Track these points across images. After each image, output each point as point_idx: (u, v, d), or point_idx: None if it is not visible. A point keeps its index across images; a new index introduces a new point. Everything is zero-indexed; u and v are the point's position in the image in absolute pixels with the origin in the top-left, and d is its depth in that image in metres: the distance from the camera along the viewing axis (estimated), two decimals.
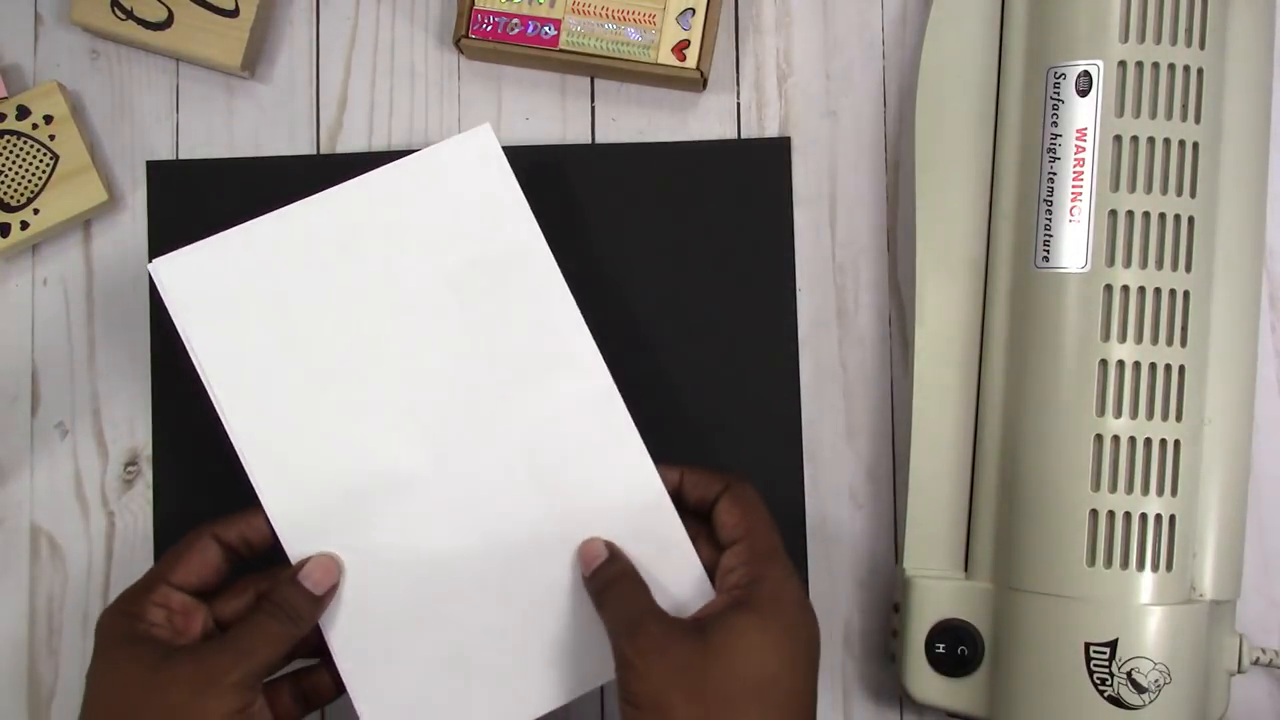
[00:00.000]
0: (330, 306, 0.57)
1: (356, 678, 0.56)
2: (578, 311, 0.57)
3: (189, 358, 0.63)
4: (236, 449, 0.56)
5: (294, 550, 0.55)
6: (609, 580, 0.54)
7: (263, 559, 0.55)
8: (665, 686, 0.49)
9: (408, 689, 0.56)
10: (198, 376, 0.62)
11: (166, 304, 0.56)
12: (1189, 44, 0.55)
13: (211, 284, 0.57)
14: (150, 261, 0.57)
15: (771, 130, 0.65)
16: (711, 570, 0.55)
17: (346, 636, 0.56)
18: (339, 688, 0.56)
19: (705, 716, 0.48)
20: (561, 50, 0.62)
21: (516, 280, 0.57)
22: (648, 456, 0.57)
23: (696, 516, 0.56)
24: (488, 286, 0.57)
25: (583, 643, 0.56)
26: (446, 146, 0.58)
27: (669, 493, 0.56)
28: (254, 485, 0.55)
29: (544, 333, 0.57)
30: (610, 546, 0.55)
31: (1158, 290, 0.55)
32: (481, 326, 0.57)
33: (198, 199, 0.65)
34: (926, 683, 0.57)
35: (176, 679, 0.49)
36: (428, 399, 0.57)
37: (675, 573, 0.55)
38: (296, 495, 0.56)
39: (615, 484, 0.57)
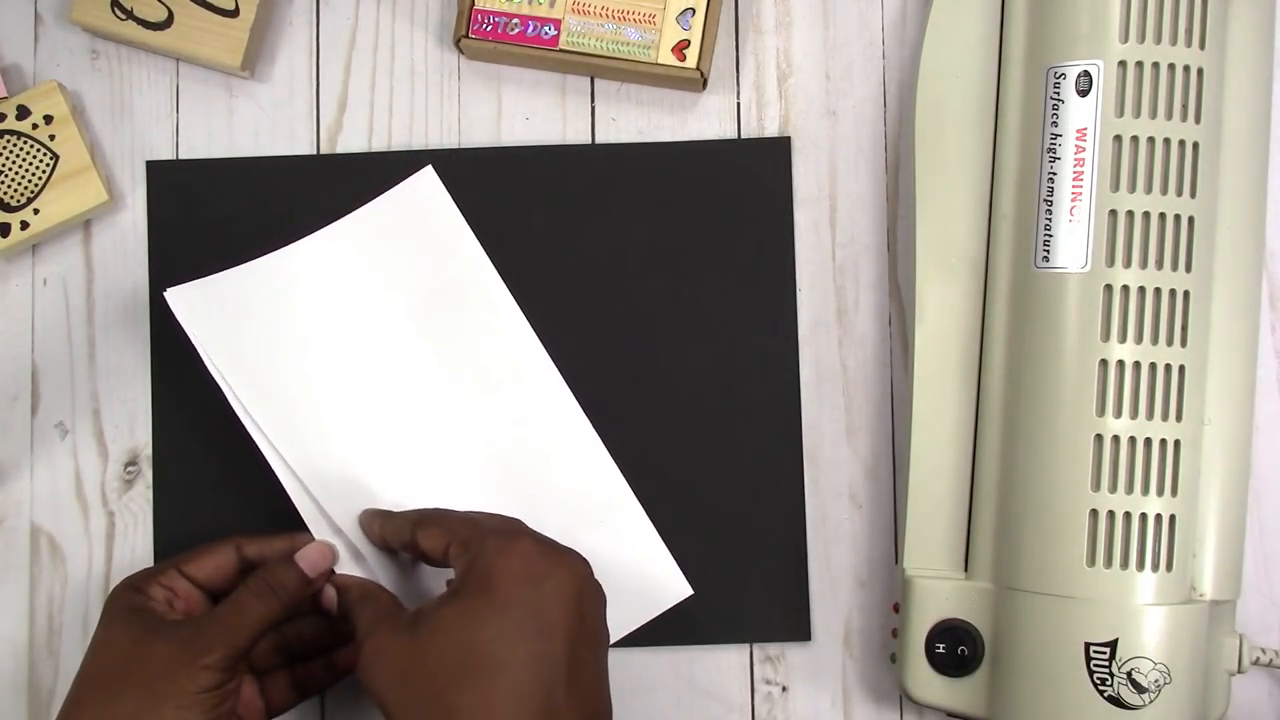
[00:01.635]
0: (323, 332, 0.61)
1: None
2: (529, 328, 0.62)
3: (189, 359, 0.63)
4: (265, 445, 0.59)
5: (307, 515, 0.58)
6: (343, 596, 0.56)
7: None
8: (386, 691, 0.50)
9: None
10: (198, 377, 0.63)
11: (185, 328, 0.59)
12: (1189, 44, 0.55)
13: (218, 310, 0.60)
14: (166, 290, 0.59)
15: (771, 130, 0.65)
16: None
17: None
18: (333, 677, 0.58)
19: (419, 706, 0.49)
20: (561, 50, 0.62)
21: (471, 306, 0.63)
22: (608, 457, 0.61)
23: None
24: (447, 314, 0.62)
25: None
26: (395, 193, 0.63)
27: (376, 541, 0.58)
28: (279, 475, 0.58)
29: (499, 349, 0.62)
30: (335, 552, 0.57)
31: (1158, 290, 0.55)
32: (445, 349, 0.62)
33: (198, 199, 0.65)
34: (926, 683, 0.57)
35: (159, 654, 0.51)
36: (406, 417, 0.61)
37: (649, 564, 0.59)
38: (324, 498, 0.59)
39: (579, 485, 0.61)
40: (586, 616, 0.51)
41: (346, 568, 0.58)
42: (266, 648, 0.57)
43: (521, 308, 0.63)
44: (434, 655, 0.49)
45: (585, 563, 0.52)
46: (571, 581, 0.51)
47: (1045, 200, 0.56)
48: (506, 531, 0.53)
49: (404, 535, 0.56)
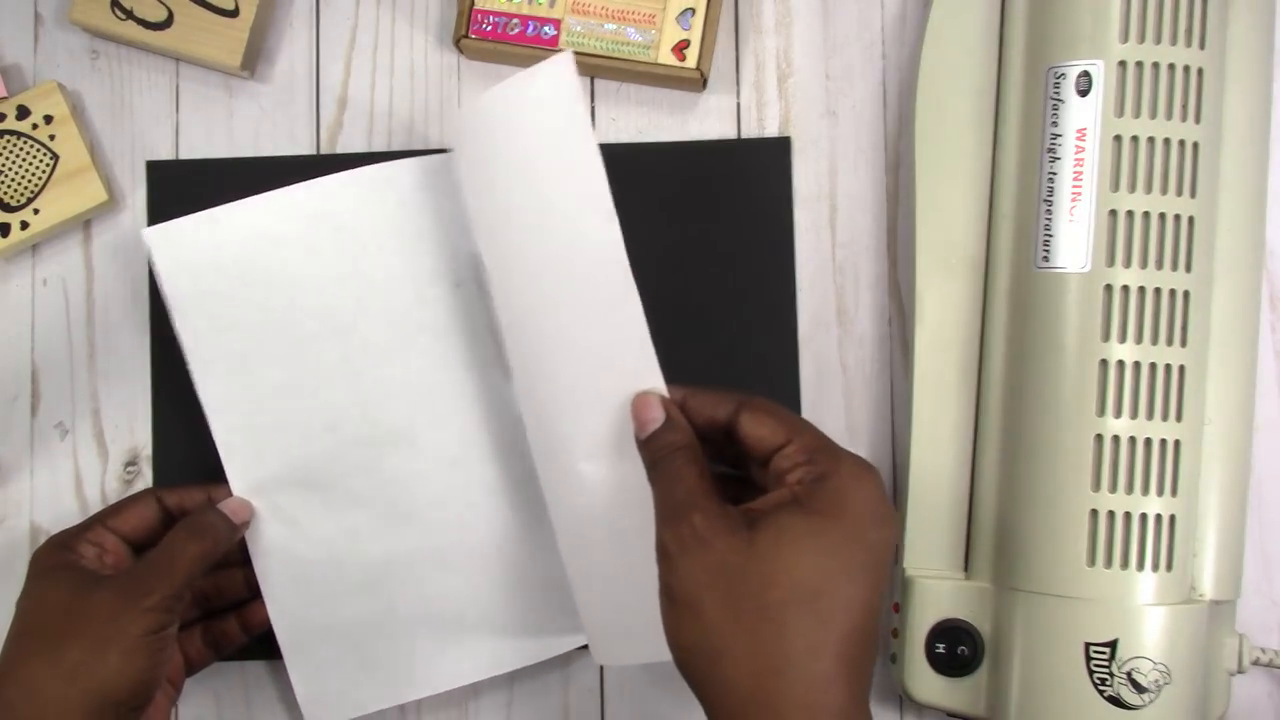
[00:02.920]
0: (313, 287, 0.60)
1: (291, 646, 0.60)
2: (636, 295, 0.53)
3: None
4: (205, 413, 0.59)
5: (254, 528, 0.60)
6: (661, 451, 0.50)
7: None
8: (699, 584, 0.45)
9: (342, 653, 0.60)
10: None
11: (155, 270, 0.59)
12: (1189, 44, 0.55)
13: (201, 254, 0.59)
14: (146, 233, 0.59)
15: (771, 130, 0.65)
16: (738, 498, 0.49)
17: (282, 605, 0.60)
18: (245, 634, 0.60)
19: (737, 620, 0.44)
20: (561, 50, 0.62)
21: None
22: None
23: (707, 443, 0.51)
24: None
25: (534, 611, 0.60)
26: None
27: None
28: (216, 445, 0.59)
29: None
30: (668, 408, 0.51)
31: (1158, 290, 0.55)
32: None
33: (198, 199, 0.64)
34: (926, 683, 0.57)
35: (99, 602, 0.52)
36: (413, 372, 0.60)
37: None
38: (253, 460, 0.60)
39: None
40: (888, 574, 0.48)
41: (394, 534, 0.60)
42: (184, 601, 0.56)
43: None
44: (774, 563, 0.44)
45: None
46: (895, 535, 0.48)
47: (1045, 200, 0.56)
48: (860, 460, 0.48)
49: (721, 412, 0.50)
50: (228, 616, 0.60)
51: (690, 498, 0.47)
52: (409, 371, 0.60)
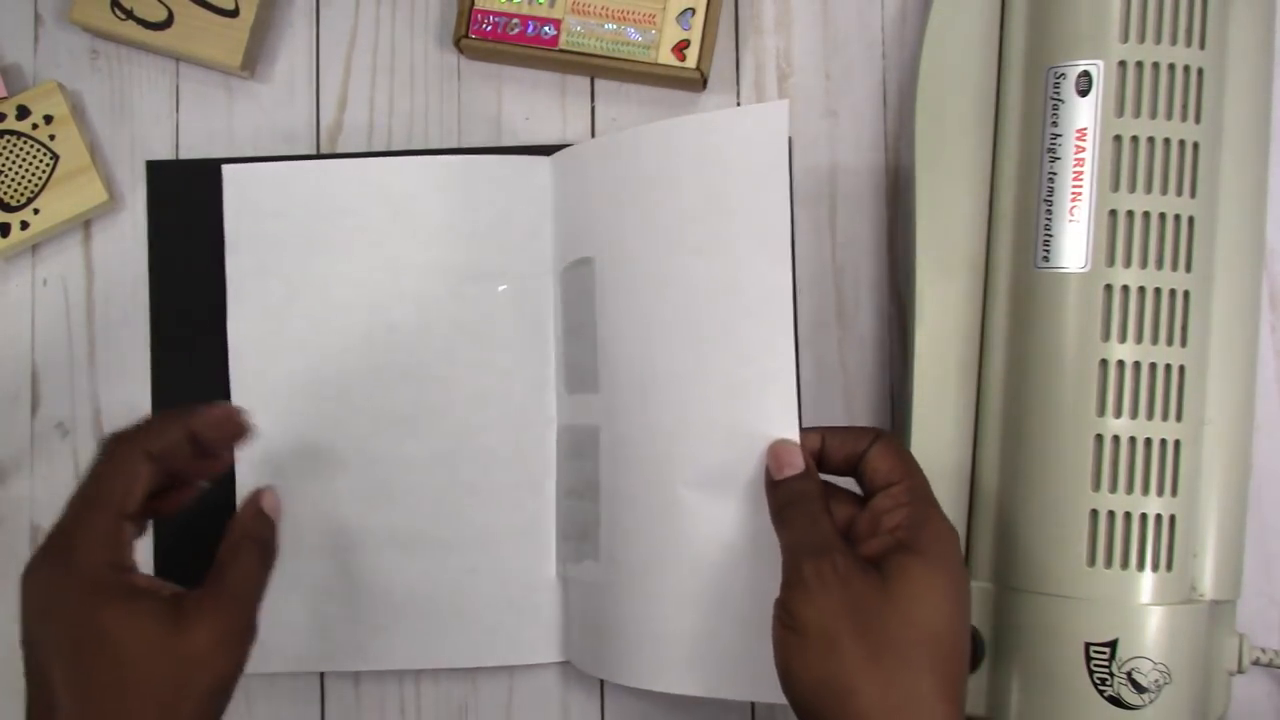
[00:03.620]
0: (359, 258, 0.62)
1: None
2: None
3: (189, 359, 0.63)
4: (227, 350, 0.62)
5: (242, 471, 0.61)
6: (800, 495, 0.51)
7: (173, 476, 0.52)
8: (838, 617, 0.47)
9: (291, 605, 0.61)
10: (198, 377, 0.63)
11: (225, 204, 0.62)
12: (1189, 44, 0.55)
13: (266, 201, 0.62)
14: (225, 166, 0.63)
15: None
16: (846, 528, 0.52)
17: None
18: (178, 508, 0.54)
19: (874, 658, 0.46)
20: (561, 50, 0.62)
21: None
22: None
23: (838, 474, 0.54)
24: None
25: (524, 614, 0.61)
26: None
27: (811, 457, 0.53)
28: (229, 383, 0.62)
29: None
30: (807, 460, 0.52)
31: (1158, 290, 0.55)
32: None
33: (198, 199, 0.65)
34: None
35: (200, 639, 0.46)
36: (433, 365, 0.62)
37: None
38: (259, 405, 0.58)
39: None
40: None
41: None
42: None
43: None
44: (906, 605, 0.47)
45: None
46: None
47: (1045, 200, 0.56)
48: (941, 510, 0.51)
49: (860, 445, 0.53)
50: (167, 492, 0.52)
51: (831, 539, 0.49)
52: (428, 360, 0.62)
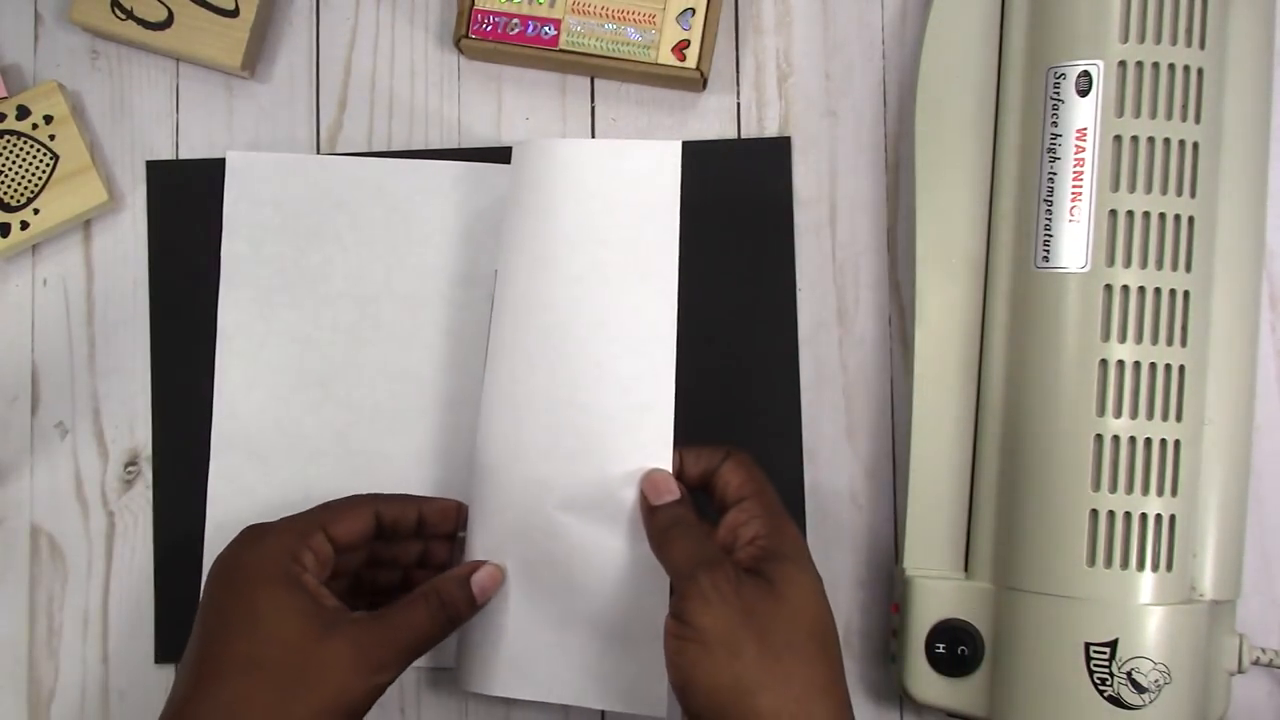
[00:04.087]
0: (352, 253, 0.63)
1: None
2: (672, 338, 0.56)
3: (189, 359, 0.63)
4: (217, 335, 0.63)
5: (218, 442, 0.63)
6: (680, 518, 0.53)
7: (397, 542, 0.58)
8: (736, 623, 0.49)
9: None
10: (198, 377, 0.63)
11: (225, 190, 0.64)
12: (1189, 44, 0.55)
13: (266, 190, 0.64)
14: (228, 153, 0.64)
15: (771, 130, 0.65)
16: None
17: (224, 531, 0.57)
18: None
19: (774, 656, 0.49)
20: (561, 50, 0.62)
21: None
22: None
23: (695, 492, 0.56)
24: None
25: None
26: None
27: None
28: (215, 367, 0.63)
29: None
30: (681, 490, 0.55)
31: (1158, 290, 0.55)
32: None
33: (198, 199, 0.65)
34: (926, 683, 0.57)
35: (337, 655, 0.49)
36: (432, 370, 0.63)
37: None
38: (241, 389, 0.63)
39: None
40: None
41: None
42: (344, 588, 0.56)
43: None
44: (791, 607, 0.50)
45: None
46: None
47: (1045, 200, 0.56)
48: (786, 512, 0.55)
49: (710, 464, 0.55)
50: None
51: (718, 552, 0.52)
52: (409, 358, 0.63)
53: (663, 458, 0.55)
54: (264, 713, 0.48)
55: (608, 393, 0.56)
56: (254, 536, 0.53)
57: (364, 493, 0.56)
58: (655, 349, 0.55)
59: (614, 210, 0.56)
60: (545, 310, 0.57)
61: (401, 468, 0.63)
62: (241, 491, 0.63)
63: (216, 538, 0.62)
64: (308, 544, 0.52)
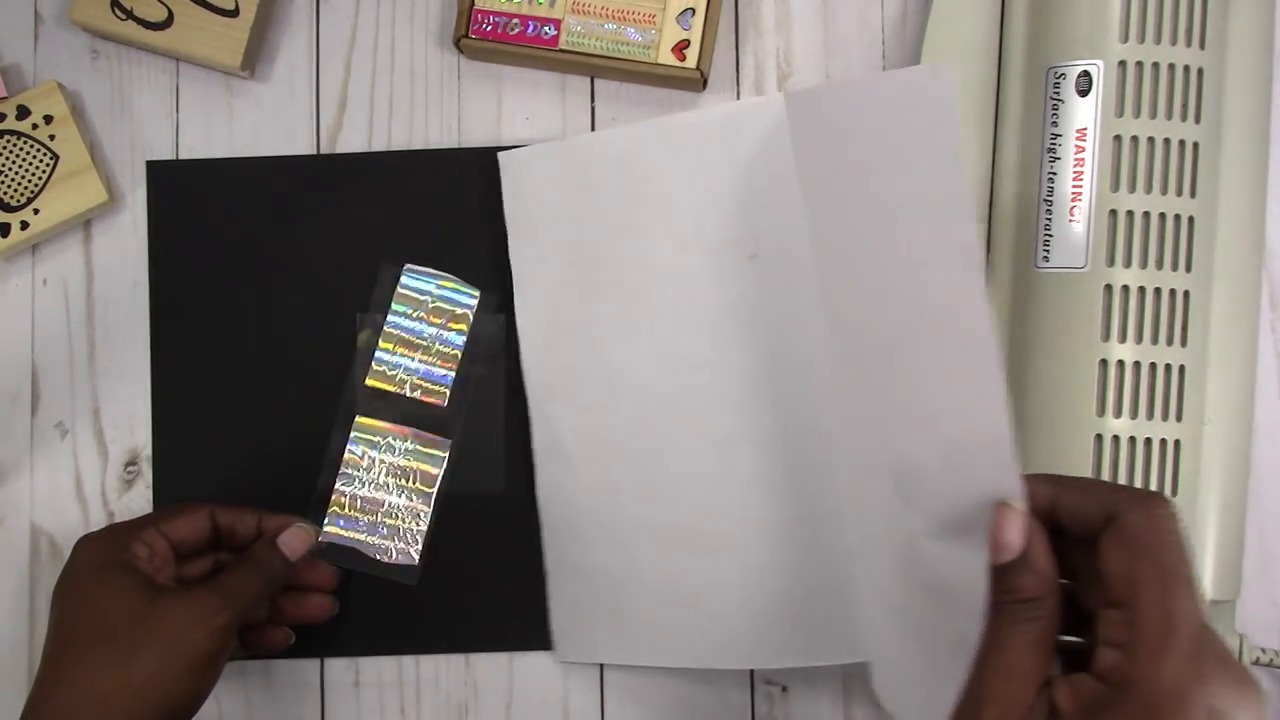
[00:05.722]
0: (616, 234, 0.61)
1: (553, 576, 0.62)
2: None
3: (189, 359, 0.63)
4: (520, 343, 0.62)
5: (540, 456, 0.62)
6: (1012, 604, 0.40)
7: (234, 552, 0.60)
8: None
9: (594, 598, 0.61)
10: (198, 377, 0.63)
11: (503, 192, 0.63)
12: (1189, 44, 0.55)
13: (537, 184, 0.62)
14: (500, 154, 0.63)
15: None
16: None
17: (553, 538, 0.62)
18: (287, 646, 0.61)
19: None
20: (561, 50, 0.62)
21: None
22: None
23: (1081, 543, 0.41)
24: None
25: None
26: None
27: (1039, 515, 0.41)
28: (525, 382, 0.62)
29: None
30: (1029, 540, 0.40)
31: (1158, 290, 0.55)
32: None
33: (198, 199, 0.65)
34: None
35: (171, 614, 0.52)
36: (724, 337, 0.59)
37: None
38: (545, 392, 0.62)
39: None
40: None
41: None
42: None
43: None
44: None
45: None
46: None
47: (1045, 200, 0.56)
48: (1187, 637, 0.37)
49: (1090, 523, 0.40)
50: (267, 626, 0.61)
51: (1026, 699, 0.39)
52: (689, 342, 0.59)
53: (1008, 479, 0.41)
54: (113, 671, 0.51)
55: (936, 383, 0.46)
56: (85, 541, 0.56)
57: (198, 502, 0.59)
58: (969, 322, 0.44)
59: (897, 157, 0.48)
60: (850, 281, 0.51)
61: (705, 464, 0.58)
62: (559, 497, 0.62)
63: (551, 555, 0.62)
64: (138, 537, 0.56)
